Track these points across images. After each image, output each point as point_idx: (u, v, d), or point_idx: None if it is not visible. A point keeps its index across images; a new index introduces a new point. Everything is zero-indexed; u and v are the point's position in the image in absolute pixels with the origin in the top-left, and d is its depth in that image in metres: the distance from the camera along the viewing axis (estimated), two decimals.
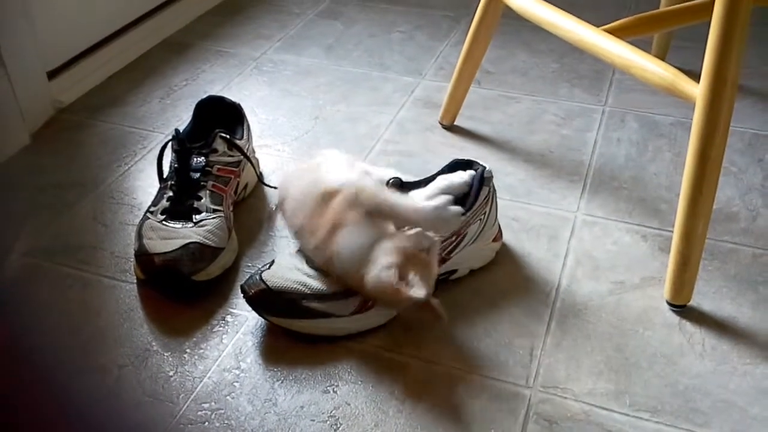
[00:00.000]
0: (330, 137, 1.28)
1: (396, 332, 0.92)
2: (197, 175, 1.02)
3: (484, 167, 0.98)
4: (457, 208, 0.89)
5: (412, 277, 0.83)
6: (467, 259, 0.98)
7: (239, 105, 1.16)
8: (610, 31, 1.05)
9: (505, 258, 1.03)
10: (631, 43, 0.99)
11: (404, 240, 0.85)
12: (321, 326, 0.89)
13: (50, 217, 1.10)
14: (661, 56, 1.44)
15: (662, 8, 1.30)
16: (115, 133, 1.30)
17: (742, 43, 0.83)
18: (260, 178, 1.16)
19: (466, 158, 1.01)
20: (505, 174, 1.19)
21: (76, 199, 1.14)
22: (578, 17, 1.05)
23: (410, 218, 0.88)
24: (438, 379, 0.86)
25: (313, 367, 0.87)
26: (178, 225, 0.98)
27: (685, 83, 0.90)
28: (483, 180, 0.97)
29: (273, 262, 0.93)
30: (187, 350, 0.90)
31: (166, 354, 0.89)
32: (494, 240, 1.01)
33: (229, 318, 0.94)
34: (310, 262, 0.92)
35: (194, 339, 0.91)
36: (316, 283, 0.90)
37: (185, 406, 0.83)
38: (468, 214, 0.95)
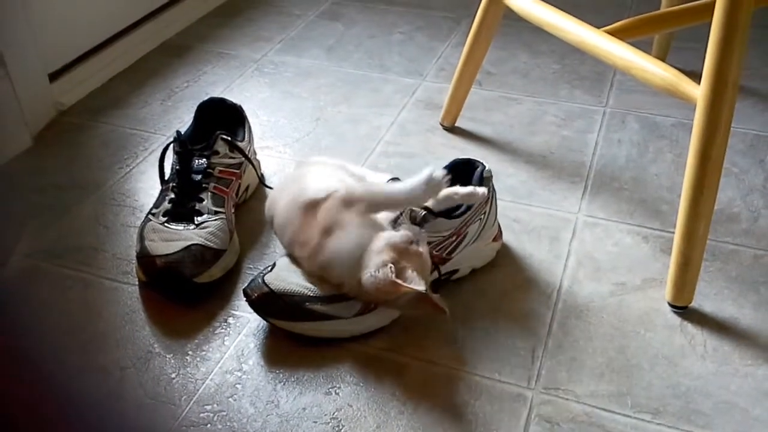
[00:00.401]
0: (331, 139, 1.28)
1: (397, 334, 0.92)
2: (199, 176, 1.02)
3: (484, 167, 0.98)
4: (442, 171, 0.88)
5: (410, 273, 0.83)
6: (468, 258, 0.98)
7: (240, 107, 1.16)
8: (611, 33, 1.05)
9: (506, 259, 1.03)
10: (632, 44, 1.00)
11: (393, 237, 0.85)
12: (324, 328, 0.89)
13: (51, 218, 1.11)
14: (662, 57, 1.44)
15: (663, 9, 1.30)
16: (116, 134, 1.30)
17: (743, 45, 0.83)
18: (261, 179, 1.16)
19: (466, 158, 1.01)
20: (507, 175, 1.19)
21: (77, 200, 1.14)
22: (579, 18, 1.05)
23: (406, 199, 0.89)
24: (439, 381, 0.86)
25: (315, 369, 0.87)
26: (180, 227, 0.98)
27: (686, 84, 0.90)
28: (482, 180, 0.97)
29: (275, 264, 0.93)
30: (189, 352, 0.90)
31: (168, 356, 0.89)
32: (494, 240, 1.01)
33: (231, 320, 0.94)
34: (305, 273, 0.92)
35: (196, 341, 0.91)
36: (318, 286, 0.90)
37: (187, 408, 0.83)
38: (468, 213, 0.95)
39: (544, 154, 1.24)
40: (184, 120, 1.33)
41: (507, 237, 1.05)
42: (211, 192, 1.02)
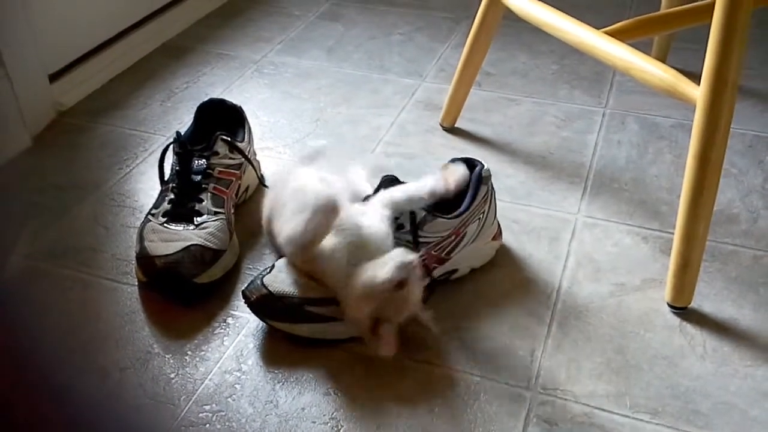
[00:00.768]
0: (331, 139, 1.29)
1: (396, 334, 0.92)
2: (198, 177, 1.02)
3: (483, 166, 0.98)
4: (412, 256, 0.84)
5: (385, 331, 0.83)
6: (467, 258, 0.98)
7: (240, 107, 1.16)
8: (611, 33, 1.05)
9: (505, 260, 1.03)
10: (632, 45, 1.00)
11: (378, 277, 0.82)
12: (323, 330, 0.89)
13: (51, 219, 1.11)
14: (662, 58, 1.44)
15: (663, 10, 1.31)
16: (116, 135, 1.30)
17: (743, 45, 0.83)
18: (261, 180, 1.16)
19: (463, 157, 1.01)
20: (506, 176, 1.19)
21: (77, 201, 1.14)
22: (579, 19, 1.05)
23: (381, 284, 0.83)
24: (438, 381, 0.86)
25: (314, 369, 0.87)
26: (180, 227, 0.98)
27: (685, 85, 0.90)
28: (481, 179, 0.97)
29: (273, 266, 0.93)
30: (189, 352, 0.90)
31: (167, 356, 0.89)
32: (494, 239, 1.01)
33: (230, 320, 0.94)
34: (304, 275, 0.91)
35: (195, 341, 0.91)
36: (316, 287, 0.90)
37: (186, 408, 0.83)
38: (466, 213, 0.95)
39: (544, 154, 1.24)
40: (183, 121, 1.33)
41: (506, 238, 1.05)
42: (210, 192, 1.02)
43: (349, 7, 1.76)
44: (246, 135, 1.13)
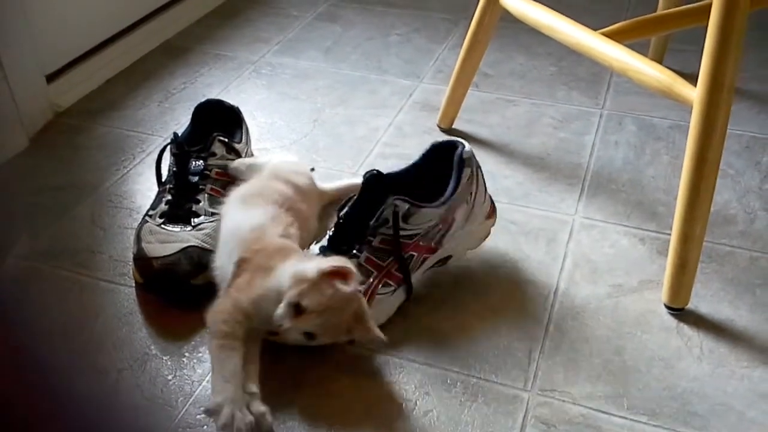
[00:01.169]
0: (328, 140, 1.29)
1: (394, 335, 0.92)
2: (196, 178, 1.02)
3: (463, 146, 0.96)
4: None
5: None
6: (462, 242, 0.98)
7: (238, 108, 1.16)
8: (608, 35, 1.06)
9: (503, 261, 1.03)
10: (628, 46, 1.00)
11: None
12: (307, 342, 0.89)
13: (48, 220, 1.11)
14: (659, 59, 1.44)
15: (659, 12, 1.31)
16: (113, 136, 1.30)
17: (739, 47, 0.83)
18: None
19: (445, 139, 0.99)
20: (503, 177, 1.19)
21: (74, 202, 1.14)
22: (576, 21, 1.06)
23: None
24: (436, 382, 0.86)
25: (311, 371, 0.87)
26: (177, 228, 0.98)
27: (682, 86, 0.90)
28: (463, 161, 0.95)
29: None
30: (186, 354, 0.90)
31: (164, 357, 0.89)
32: (488, 217, 1.00)
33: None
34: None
35: (193, 343, 0.91)
36: None
37: (184, 410, 0.83)
38: (452, 199, 0.94)
39: (541, 155, 1.24)
40: (181, 121, 1.33)
41: (504, 239, 1.05)
42: (208, 193, 1.02)
43: (347, 8, 1.76)
44: (243, 136, 1.13)
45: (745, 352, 0.89)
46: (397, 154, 1.25)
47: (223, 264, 0.91)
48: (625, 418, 0.82)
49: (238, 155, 1.08)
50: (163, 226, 0.98)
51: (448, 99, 1.28)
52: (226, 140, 1.07)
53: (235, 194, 0.99)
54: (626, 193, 1.16)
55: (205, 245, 0.96)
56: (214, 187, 1.03)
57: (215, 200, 1.02)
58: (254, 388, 0.80)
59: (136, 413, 0.83)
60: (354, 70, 1.51)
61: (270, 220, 0.92)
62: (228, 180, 1.05)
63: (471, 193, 0.96)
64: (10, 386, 0.37)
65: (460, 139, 0.98)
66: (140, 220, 1.02)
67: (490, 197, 1.01)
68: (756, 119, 1.33)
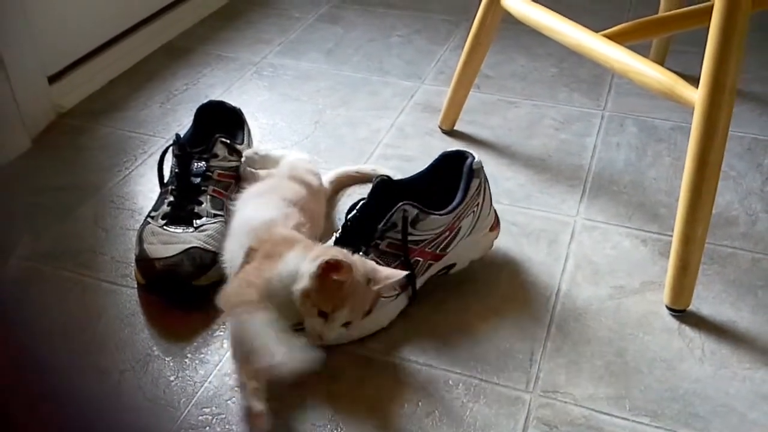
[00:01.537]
0: (330, 142, 1.29)
1: (396, 336, 0.92)
2: (198, 179, 1.02)
3: (473, 158, 0.97)
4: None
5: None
6: (465, 251, 0.98)
7: (240, 110, 1.16)
8: (609, 36, 1.06)
9: (505, 262, 1.03)
10: (630, 47, 1.00)
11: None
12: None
13: (50, 221, 1.11)
14: (660, 61, 1.44)
15: (661, 13, 1.31)
16: (115, 137, 1.30)
17: (741, 49, 0.83)
18: None
19: (455, 149, 1.00)
20: (505, 178, 1.19)
21: (76, 203, 1.14)
22: (577, 22, 1.06)
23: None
24: (438, 384, 0.86)
25: (313, 372, 0.87)
26: (179, 230, 0.98)
27: (683, 88, 0.90)
28: (472, 171, 0.96)
29: None
30: (188, 355, 0.90)
31: (167, 359, 0.89)
32: (491, 229, 1.01)
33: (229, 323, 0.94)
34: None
35: (195, 344, 0.91)
36: None
37: (186, 411, 0.83)
38: (459, 208, 0.95)
39: (543, 157, 1.25)
40: (183, 123, 1.33)
41: (505, 240, 1.05)
42: (210, 195, 1.02)
43: (349, 9, 1.77)
44: (245, 137, 1.14)
45: (747, 353, 0.89)
46: (399, 155, 1.25)
47: (232, 256, 0.92)
48: (627, 420, 0.82)
49: (239, 157, 1.08)
50: (165, 227, 0.98)
51: (450, 100, 1.28)
52: (228, 141, 1.07)
53: (251, 190, 1.00)
54: (628, 194, 1.16)
55: (208, 246, 0.96)
56: (216, 188, 1.03)
57: (217, 201, 1.02)
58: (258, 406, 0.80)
59: (138, 414, 0.83)
60: (355, 71, 1.51)
61: (283, 217, 0.93)
62: (230, 181, 1.05)
63: (478, 204, 0.97)
64: (11, 387, 0.37)
65: (469, 150, 0.98)
66: (142, 221, 1.02)
67: (495, 211, 1.02)
68: (758, 121, 1.33)
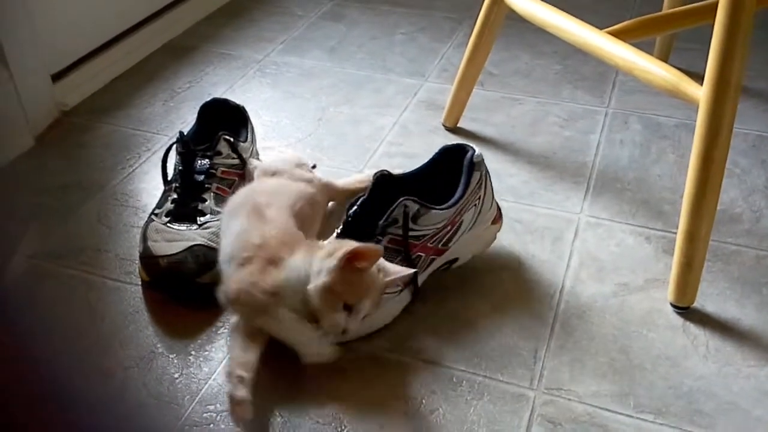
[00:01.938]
0: (333, 139, 1.29)
1: (399, 333, 0.92)
2: (201, 177, 1.03)
3: (474, 151, 0.96)
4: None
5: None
6: (467, 246, 0.98)
7: (243, 107, 1.16)
8: (613, 34, 1.05)
9: (508, 259, 1.03)
10: (634, 45, 1.00)
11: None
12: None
13: (54, 219, 1.11)
14: (664, 58, 1.44)
15: (665, 11, 1.31)
16: (119, 135, 1.31)
17: (746, 46, 0.83)
18: None
19: (455, 143, 0.99)
20: (509, 176, 1.19)
21: (80, 201, 1.14)
22: (581, 19, 1.05)
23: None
24: (442, 381, 0.86)
25: (317, 369, 0.87)
26: (183, 227, 0.98)
27: (688, 85, 0.90)
28: (473, 165, 0.96)
29: None
30: (192, 352, 0.90)
31: (171, 356, 0.89)
32: (493, 222, 1.00)
33: (233, 319, 0.94)
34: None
35: (199, 341, 0.91)
36: None
37: (190, 408, 0.83)
38: (461, 202, 0.94)
39: (547, 154, 1.24)
40: (186, 120, 1.33)
41: (509, 237, 1.05)
42: (213, 192, 1.02)
43: (352, 7, 1.76)
44: (249, 135, 1.14)
45: (751, 350, 0.89)
46: (402, 152, 1.25)
47: (224, 266, 0.92)
48: (631, 417, 0.82)
49: (238, 156, 1.07)
50: (169, 224, 0.98)
51: (453, 98, 1.28)
52: (232, 139, 1.07)
53: (234, 202, 0.98)
54: (632, 191, 1.15)
55: (212, 244, 0.96)
56: (220, 186, 1.03)
57: (221, 199, 1.02)
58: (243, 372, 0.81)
59: (143, 411, 0.83)
60: (359, 69, 1.51)
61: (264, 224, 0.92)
62: (234, 179, 1.06)
63: (479, 198, 0.97)
64: (16, 384, 0.37)
65: (469, 144, 0.98)
66: (146, 218, 1.02)
67: (497, 203, 1.01)
68: (762, 117, 1.33)
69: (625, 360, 0.88)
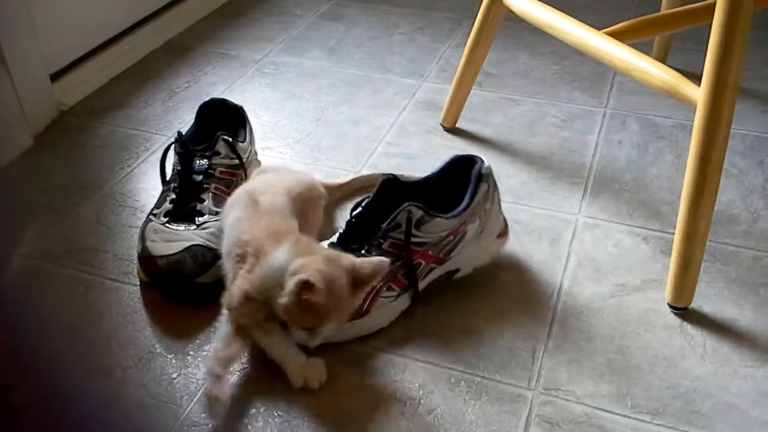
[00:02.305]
0: (332, 139, 1.29)
1: (397, 334, 0.92)
2: (200, 177, 1.03)
3: (482, 162, 0.97)
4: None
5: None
6: (470, 257, 0.98)
7: (242, 107, 1.16)
8: (611, 34, 1.06)
9: (506, 260, 1.03)
10: (632, 45, 1.00)
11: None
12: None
13: (53, 219, 1.11)
14: (662, 59, 1.44)
15: (663, 11, 1.31)
16: (117, 135, 1.31)
17: (743, 47, 0.83)
18: None
19: (466, 153, 1.00)
20: (507, 176, 1.19)
21: (78, 201, 1.14)
22: (579, 20, 1.06)
23: None
24: (440, 381, 0.86)
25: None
26: (181, 227, 0.98)
27: (686, 86, 0.90)
28: (480, 176, 0.96)
29: None
30: (191, 352, 0.90)
31: (169, 356, 0.89)
32: (499, 236, 1.00)
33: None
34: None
35: (197, 341, 0.91)
36: None
37: (189, 409, 0.83)
38: (465, 212, 0.95)
39: (545, 155, 1.25)
40: (185, 120, 1.33)
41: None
42: (212, 192, 1.02)
43: (351, 7, 1.77)
44: (247, 135, 1.14)
45: (748, 351, 0.89)
46: (401, 153, 1.25)
47: (225, 262, 0.92)
48: (629, 417, 0.82)
49: (237, 156, 1.08)
50: (167, 224, 0.98)
51: (452, 98, 1.28)
52: (230, 139, 1.07)
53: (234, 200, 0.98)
54: (629, 192, 1.16)
55: (210, 244, 0.97)
56: (218, 186, 1.03)
57: (220, 199, 1.02)
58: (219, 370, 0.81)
59: (141, 411, 0.83)
60: (358, 69, 1.51)
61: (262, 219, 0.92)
62: (232, 179, 1.06)
63: (485, 210, 0.97)
64: (12, 386, 0.37)
65: (479, 156, 0.98)
66: (144, 218, 1.02)
67: (504, 218, 1.01)
68: (760, 118, 1.33)
69: (622, 360, 0.88)
